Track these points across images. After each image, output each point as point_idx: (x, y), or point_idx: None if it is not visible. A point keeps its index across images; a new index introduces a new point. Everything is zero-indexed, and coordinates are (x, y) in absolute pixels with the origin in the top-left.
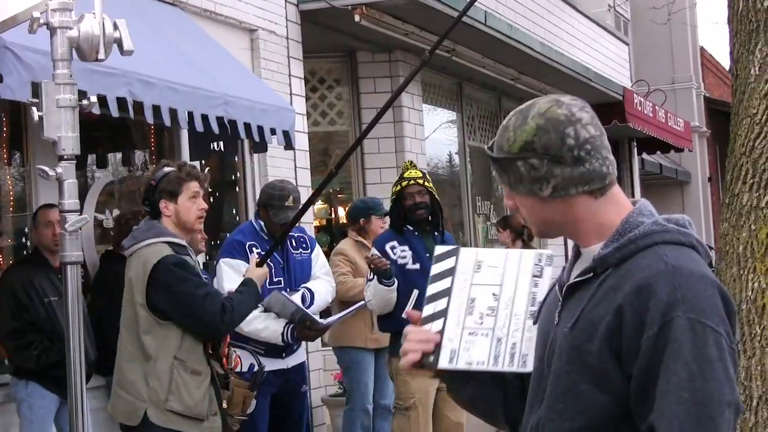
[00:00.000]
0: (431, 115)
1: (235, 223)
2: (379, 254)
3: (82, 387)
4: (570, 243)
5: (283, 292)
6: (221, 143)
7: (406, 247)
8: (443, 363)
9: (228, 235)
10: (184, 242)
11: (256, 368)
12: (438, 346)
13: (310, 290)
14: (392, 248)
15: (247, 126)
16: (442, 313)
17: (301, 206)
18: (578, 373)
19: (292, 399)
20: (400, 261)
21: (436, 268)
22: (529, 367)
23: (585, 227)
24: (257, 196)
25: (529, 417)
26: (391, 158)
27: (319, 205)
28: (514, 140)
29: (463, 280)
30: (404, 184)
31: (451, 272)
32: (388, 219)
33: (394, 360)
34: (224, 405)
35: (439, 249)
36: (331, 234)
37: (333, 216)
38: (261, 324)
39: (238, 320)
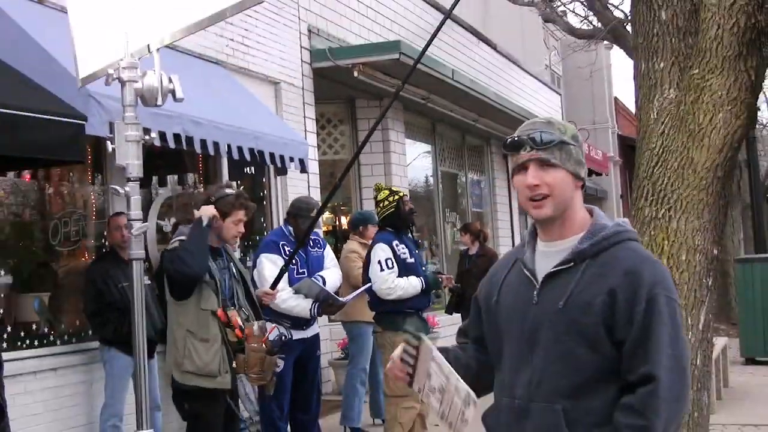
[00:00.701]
0: (412, 147)
1: (263, 229)
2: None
3: (144, 350)
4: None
5: (313, 278)
6: (252, 168)
7: (404, 245)
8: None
9: (262, 237)
10: None
11: (284, 338)
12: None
13: (322, 277)
14: (397, 245)
15: (272, 155)
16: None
17: (315, 214)
18: (574, 341)
19: (310, 361)
20: (402, 256)
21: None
22: None
23: (573, 218)
24: (282, 208)
25: (515, 376)
26: (381, 180)
27: (327, 215)
28: (565, 130)
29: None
30: (401, 195)
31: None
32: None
33: (388, 333)
34: (234, 365)
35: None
36: (336, 237)
37: (337, 223)
38: (294, 302)
39: (191, 256)
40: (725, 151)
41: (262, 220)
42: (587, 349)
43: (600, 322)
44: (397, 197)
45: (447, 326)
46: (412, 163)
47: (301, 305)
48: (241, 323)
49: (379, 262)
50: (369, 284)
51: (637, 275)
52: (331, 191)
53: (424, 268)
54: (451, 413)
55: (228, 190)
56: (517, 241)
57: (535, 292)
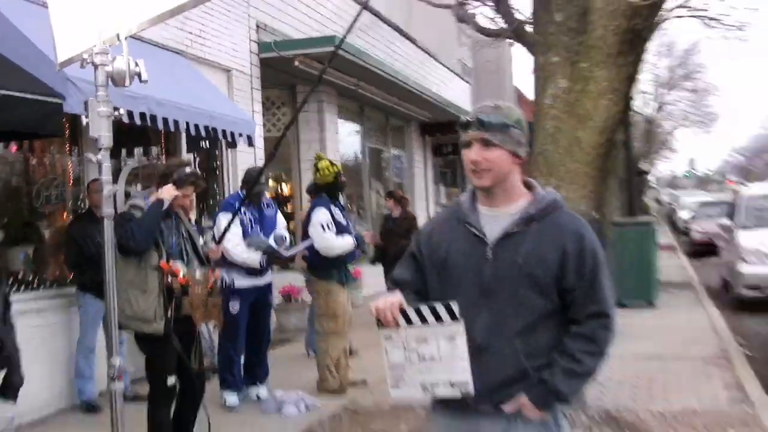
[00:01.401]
0: (343, 126)
1: (216, 194)
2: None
3: (114, 295)
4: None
5: (260, 235)
6: (207, 142)
7: (338, 209)
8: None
9: (216, 200)
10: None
11: (226, 283)
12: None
13: (283, 236)
14: (333, 210)
15: (224, 132)
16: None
17: (257, 175)
18: (530, 289)
19: (263, 306)
20: (337, 218)
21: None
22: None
23: (512, 189)
24: (232, 176)
25: (472, 321)
26: None
27: (271, 183)
28: (510, 115)
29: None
30: (340, 168)
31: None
32: None
33: (321, 282)
34: (170, 313)
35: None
36: (277, 202)
37: (280, 191)
38: (246, 255)
39: (140, 233)
40: (606, 133)
41: (216, 186)
42: (538, 295)
43: (552, 274)
44: (336, 169)
45: (369, 277)
46: (344, 140)
47: (252, 257)
48: (183, 271)
49: (321, 224)
50: (310, 240)
51: (582, 237)
52: (269, 155)
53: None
54: (414, 372)
55: (187, 169)
56: (432, 206)
57: (488, 249)
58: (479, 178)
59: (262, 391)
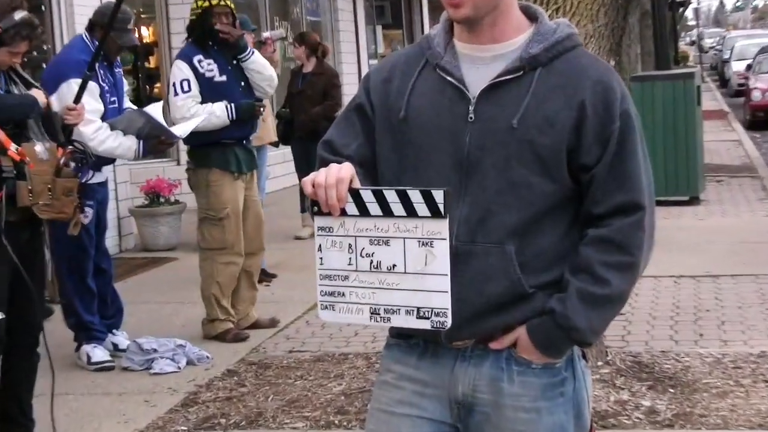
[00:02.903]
0: None
1: (44, 46)
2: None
3: None
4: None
5: (135, 108)
6: None
7: (211, 60)
8: None
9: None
10: None
11: (83, 161)
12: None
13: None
14: (199, 62)
15: None
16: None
17: (114, 10)
18: (528, 167)
19: (104, 208)
20: (207, 74)
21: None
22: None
23: (508, 16)
24: (66, 16)
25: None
26: None
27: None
28: None
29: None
30: (214, 2)
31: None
32: (253, 35)
33: (202, 171)
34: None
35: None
36: (134, 52)
37: (138, 35)
38: (114, 141)
39: None
40: None
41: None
42: (542, 176)
43: (563, 141)
44: (206, 3)
45: (276, 163)
46: None
47: (124, 144)
48: (12, 145)
49: (174, 84)
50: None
51: (609, 88)
52: None
53: (243, 84)
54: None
55: (17, 15)
56: (364, 57)
57: (470, 107)
58: (456, 6)
59: (119, 338)
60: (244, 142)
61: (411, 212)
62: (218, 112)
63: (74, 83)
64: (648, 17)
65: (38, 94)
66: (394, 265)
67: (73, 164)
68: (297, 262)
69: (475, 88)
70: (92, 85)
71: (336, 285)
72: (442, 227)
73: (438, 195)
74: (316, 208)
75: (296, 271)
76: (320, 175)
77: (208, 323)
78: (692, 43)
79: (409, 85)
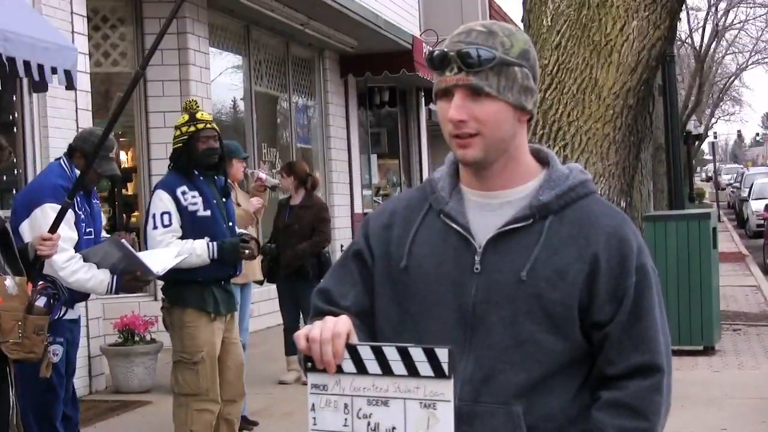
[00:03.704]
0: (218, 58)
1: (14, 168)
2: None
3: None
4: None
5: (122, 240)
6: None
7: (196, 193)
8: None
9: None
10: None
11: (56, 297)
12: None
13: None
14: (183, 194)
15: (27, 64)
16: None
17: (103, 138)
18: (536, 323)
19: (75, 348)
20: (191, 208)
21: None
22: None
23: (518, 162)
24: (40, 138)
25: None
26: (176, 102)
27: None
28: (511, 45)
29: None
30: (200, 126)
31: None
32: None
33: (176, 310)
34: None
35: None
36: (113, 181)
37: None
38: (86, 274)
39: None
40: (639, 71)
41: (11, 155)
42: (551, 333)
43: (574, 296)
44: (192, 128)
45: (260, 301)
46: (218, 79)
47: (97, 277)
48: None
49: (153, 216)
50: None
51: (625, 240)
52: (118, 105)
53: (230, 224)
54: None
55: None
56: (357, 190)
57: (477, 257)
58: (464, 148)
59: None
60: (224, 282)
61: (412, 371)
62: (199, 251)
63: (50, 208)
64: (661, 152)
65: None
66: (394, 428)
67: (44, 299)
68: (281, 408)
69: (481, 237)
70: (68, 213)
71: None
72: (446, 388)
73: (442, 354)
74: (309, 364)
75: (279, 419)
76: (315, 329)
77: None
78: (708, 178)
79: (411, 233)
